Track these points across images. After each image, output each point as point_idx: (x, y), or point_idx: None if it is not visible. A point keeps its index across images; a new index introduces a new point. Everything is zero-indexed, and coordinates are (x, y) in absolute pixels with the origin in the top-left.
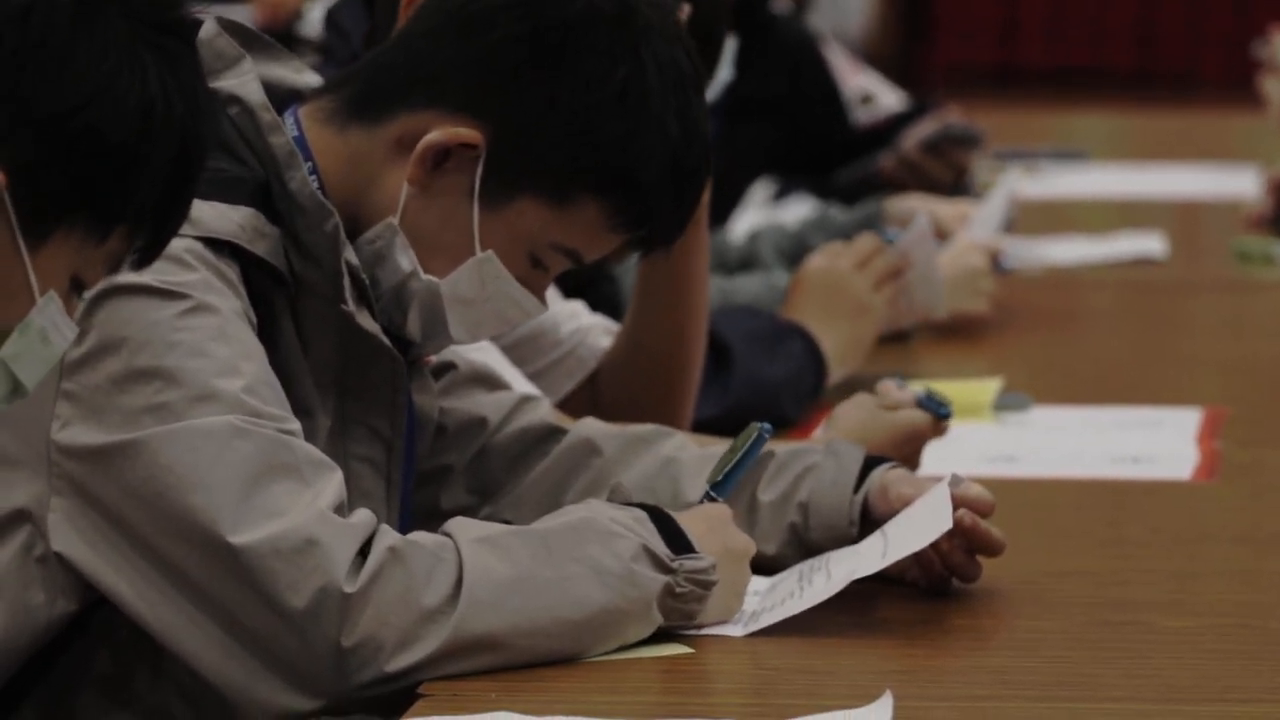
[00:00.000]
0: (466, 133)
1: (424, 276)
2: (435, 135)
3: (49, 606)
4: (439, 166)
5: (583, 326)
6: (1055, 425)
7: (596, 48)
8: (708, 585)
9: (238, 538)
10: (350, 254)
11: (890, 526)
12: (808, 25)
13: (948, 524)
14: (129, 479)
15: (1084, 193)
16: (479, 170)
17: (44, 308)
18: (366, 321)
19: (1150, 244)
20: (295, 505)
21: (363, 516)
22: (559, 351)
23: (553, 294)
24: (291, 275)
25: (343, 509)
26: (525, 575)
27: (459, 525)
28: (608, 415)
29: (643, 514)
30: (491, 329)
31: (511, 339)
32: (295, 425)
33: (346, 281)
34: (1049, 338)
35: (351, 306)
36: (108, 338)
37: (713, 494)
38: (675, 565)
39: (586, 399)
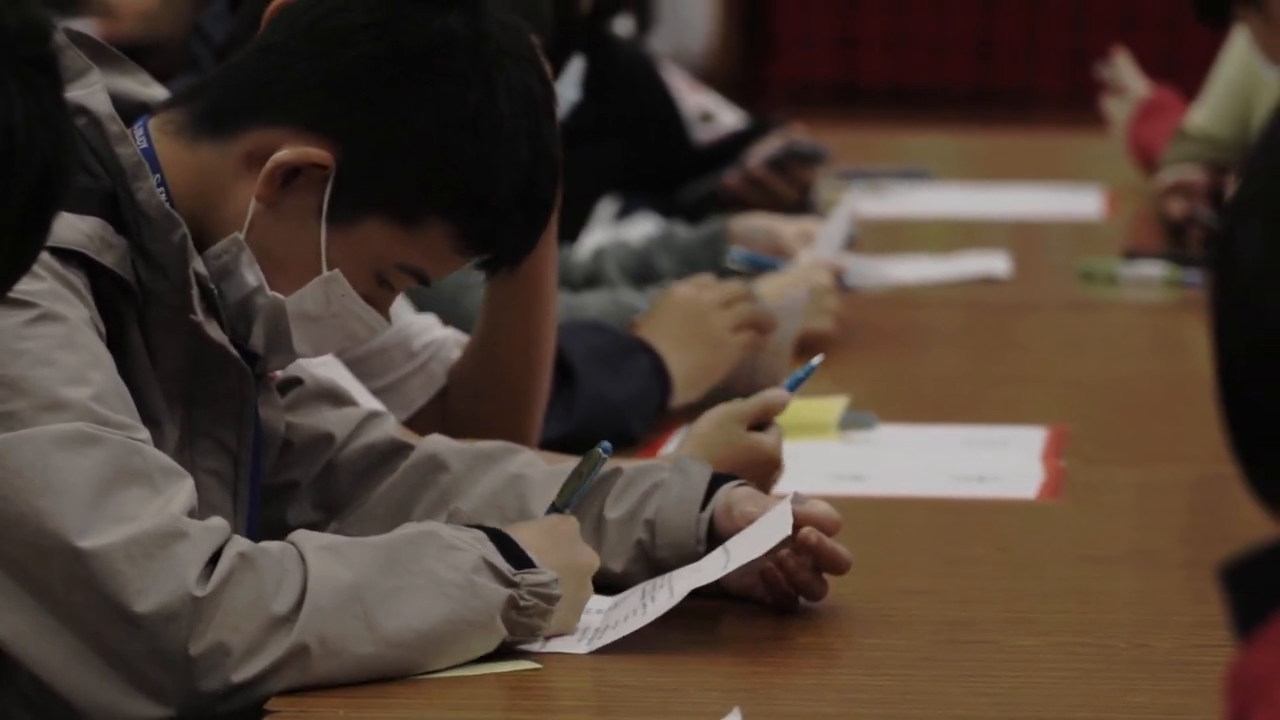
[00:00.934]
0: (316, 153)
1: (269, 293)
2: (285, 154)
3: None
4: (288, 184)
5: (436, 339)
6: (900, 444)
7: (450, 72)
8: (551, 599)
9: (86, 542)
10: (199, 264)
11: (733, 543)
12: (648, 46)
13: (787, 531)
14: None
15: (927, 212)
16: (328, 190)
17: None
18: (215, 332)
19: (994, 263)
20: (145, 511)
21: (215, 523)
22: (412, 365)
23: (406, 307)
24: (139, 286)
25: (194, 516)
26: (367, 582)
27: (303, 535)
28: (456, 429)
29: (481, 534)
30: (336, 345)
31: (364, 351)
32: (145, 434)
33: (195, 292)
34: (894, 356)
35: (200, 316)
36: None
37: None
38: (517, 579)
39: (435, 413)
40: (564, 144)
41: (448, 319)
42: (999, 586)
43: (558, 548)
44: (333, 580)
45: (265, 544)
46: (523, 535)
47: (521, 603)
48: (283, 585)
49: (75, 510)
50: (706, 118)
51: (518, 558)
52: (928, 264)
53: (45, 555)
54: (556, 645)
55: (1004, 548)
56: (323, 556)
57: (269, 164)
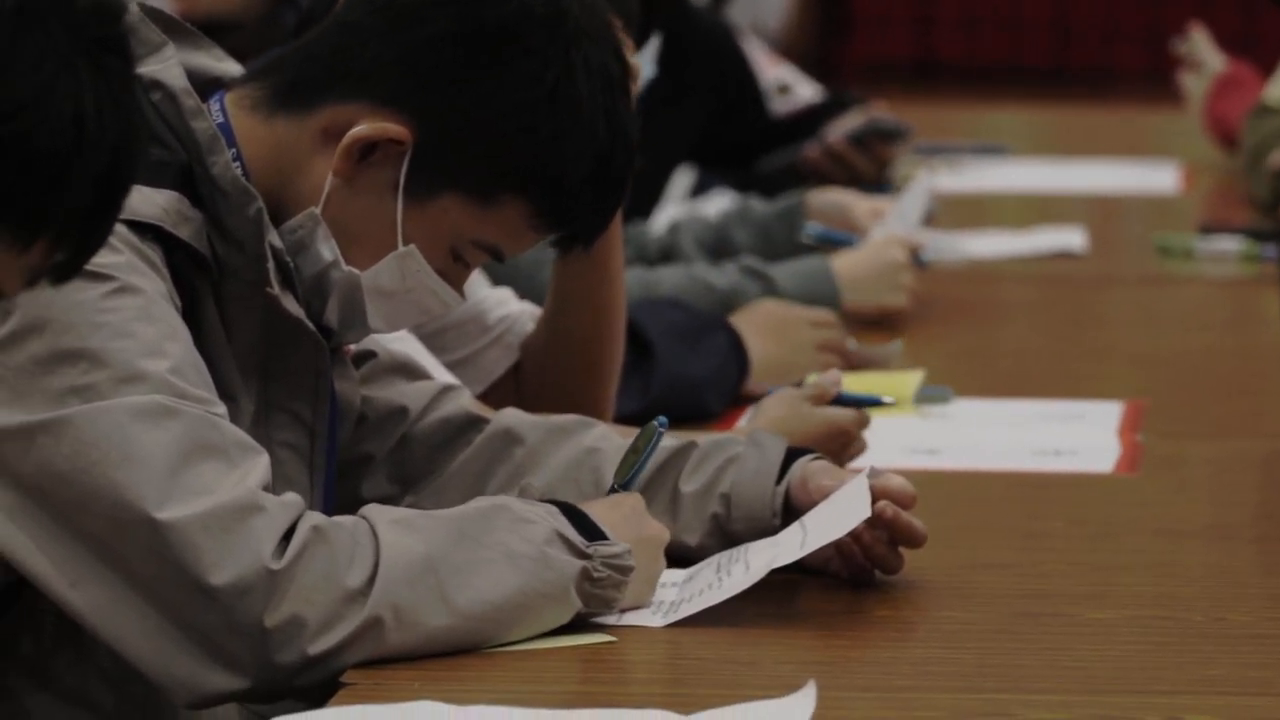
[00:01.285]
0: (394, 128)
1: (345, 267)
2: (363, 129)
3: None
4: (365, 159)
5: (511, 313)
6: (977, 418)
7: (528, 49)
8: (625, 570)
9: (163, 514)
10: (274, 238)
11: (809, 517)
12: (726, 18)
13: (865, 513)
14: (51, 456)
15: (1004, 187)
16: (405, 166)
17: None
18: (291, 305)
19: (1070, 238)
20: (222, 484)
21: (290, 498)
22: (487, 339)
23: (481, 281)
24: (214, 260)
25: (269, 491)
26: (440, 555)
27: (374, 509)
28: (529, 403)
29: (553, 508)
30: (410, 320)
31: (439, 325)
32: (221, 408)
33: (271, 265)
34: (970, 331)
35: (276, 290)
36: (31, 318)
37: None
38: (590, 551)
39: (510, 386)
40: (640, 118)
41: (523, 293)
42: (1075, 560)
43: (627, 522)
44: (405, 553)
45: (338, 518)
46: (594, 511)
47: (595, 574)
48: (355, 559)
49: (153, 482)
50: (784, 90)
51: (590, 530)
52: (1004, 239)
53: (123, 527)
54: (631, 619)
55: (1080, 521)
56: (395, 530)
57: (346, 139)
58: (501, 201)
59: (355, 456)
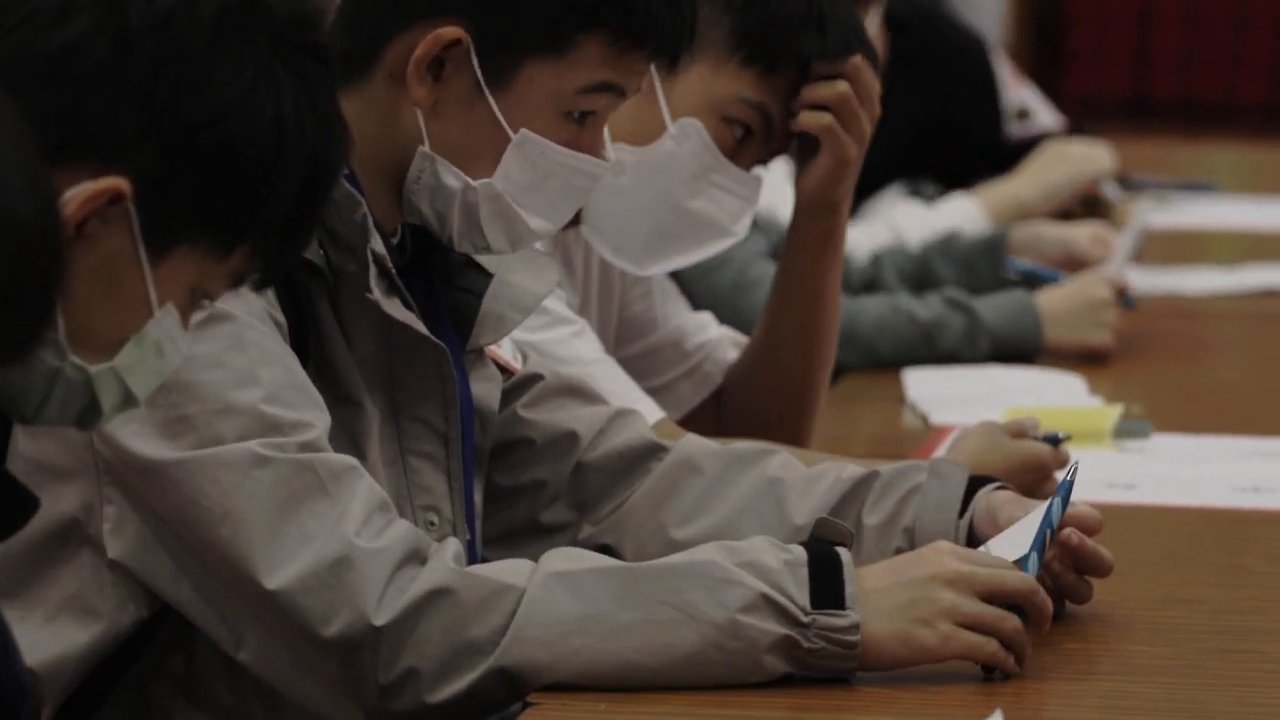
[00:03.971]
0: (445, 31)
1: (475, 184)
2: (418, 50)
3: (119, 612)
4: (439, 79)
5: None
6: (1175, 453)
7: None
8: (848, 645)
9: (272, 581)
10: (377, 243)
11: (994, 543)
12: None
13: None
14: (164, 503)
15: (1213, 224)
16: (475, 60)
17: (161, 320)
18: (397, 310)
19: (1278, 275)
20: (323, 528)
21: (395, 535)
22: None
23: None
24: (329, 267)
25: (380, 509)
26: (597, 615)
27: (552, 556)
28: (732, 429)
29: (800, 561)
30: (569, 205)
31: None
32: (319, 428)
33: (372, 271)
34: (1172, 366)
35: (376, 295)
36: None
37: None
38: (809, 620)
39: (710, 412)
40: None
41: (724, 319)
42: (1270, 597)
43: (900, 575)
44: (554, 609)
45: (488, 566)
46: (876, 568)
47: (806, 644)
48: (486, 609)
49: (255, 543)
50: (1023, 115)
51: (829, 591)
52: (1211, 275)
53: (240, 582)
54: None
55: (1277, 559)
56: (552, 584)
57: (410, 67)
58: (578, 44)
59: (525, 482)
